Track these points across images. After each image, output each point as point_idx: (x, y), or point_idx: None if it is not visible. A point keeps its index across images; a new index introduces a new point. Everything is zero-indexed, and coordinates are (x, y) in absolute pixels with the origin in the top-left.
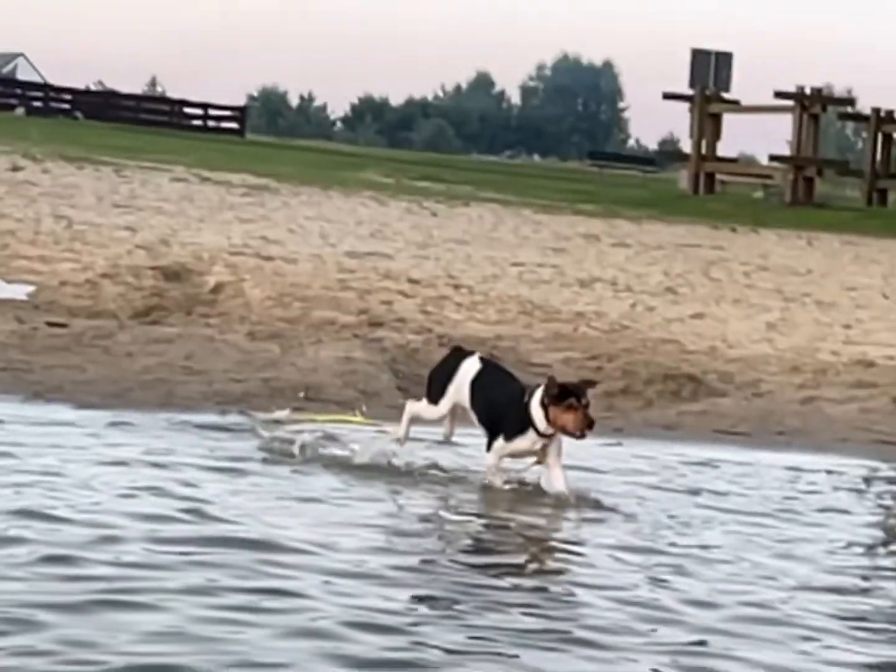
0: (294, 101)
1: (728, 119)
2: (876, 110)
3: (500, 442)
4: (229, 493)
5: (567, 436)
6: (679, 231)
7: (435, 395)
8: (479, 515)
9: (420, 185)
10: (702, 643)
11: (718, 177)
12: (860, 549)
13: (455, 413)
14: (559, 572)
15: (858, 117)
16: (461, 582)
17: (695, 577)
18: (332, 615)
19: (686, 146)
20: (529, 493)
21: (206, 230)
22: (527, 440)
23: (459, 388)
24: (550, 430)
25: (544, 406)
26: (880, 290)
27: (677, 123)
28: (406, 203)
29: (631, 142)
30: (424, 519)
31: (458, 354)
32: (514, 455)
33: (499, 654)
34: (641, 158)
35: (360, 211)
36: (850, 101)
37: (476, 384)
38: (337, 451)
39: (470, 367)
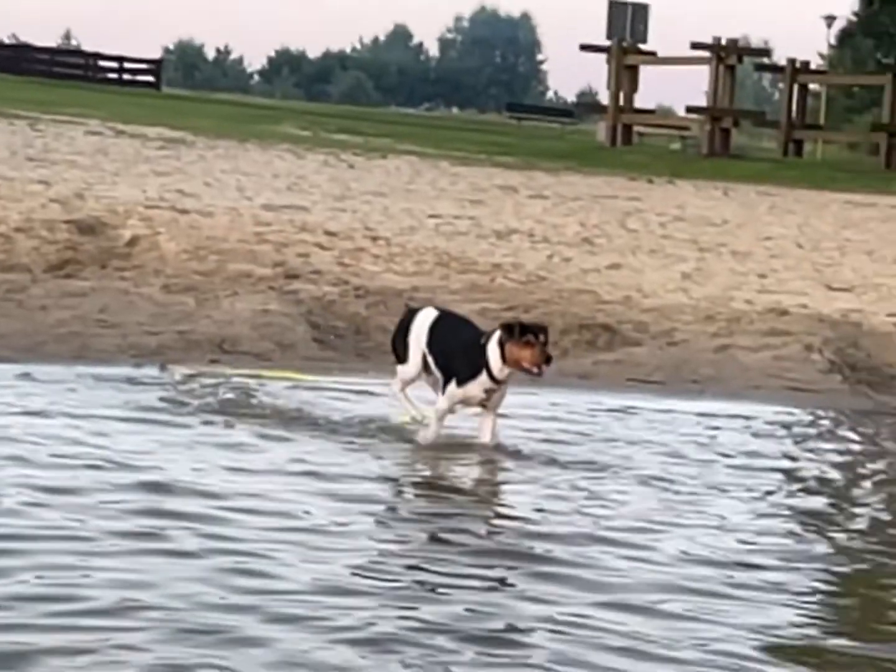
0: (210, 55)
1: (645, 71)
2: (791, 61)
3: (452, 387)
4: (139, 442)
5: (524, 372)
6: (596, 182)
7: (401, 354)
8: (396, 464)
9: (337, 137)
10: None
11: (636, 128)
12: (767, 492)
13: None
14: (474, 516)
15: (774, 68)
16: (365, 521)
17: (605, 518)
18: (220, 564)
19: (604, 98)
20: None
21: (122, 184)
22: (478, 384)
23: (419, 337)
24: (505, 372)
25: (501, 345)
26: (795, 240)
27: (595, 75)
28: (323, 156)
29: (549, 94)
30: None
31: (412, 310)
32: (465, 402)
33: (403, 593)
34: (559, 110)
35: (276, 164)
36: (767, 52)
37: (434, 330)
38: (255, 403)
39: (426, 317)
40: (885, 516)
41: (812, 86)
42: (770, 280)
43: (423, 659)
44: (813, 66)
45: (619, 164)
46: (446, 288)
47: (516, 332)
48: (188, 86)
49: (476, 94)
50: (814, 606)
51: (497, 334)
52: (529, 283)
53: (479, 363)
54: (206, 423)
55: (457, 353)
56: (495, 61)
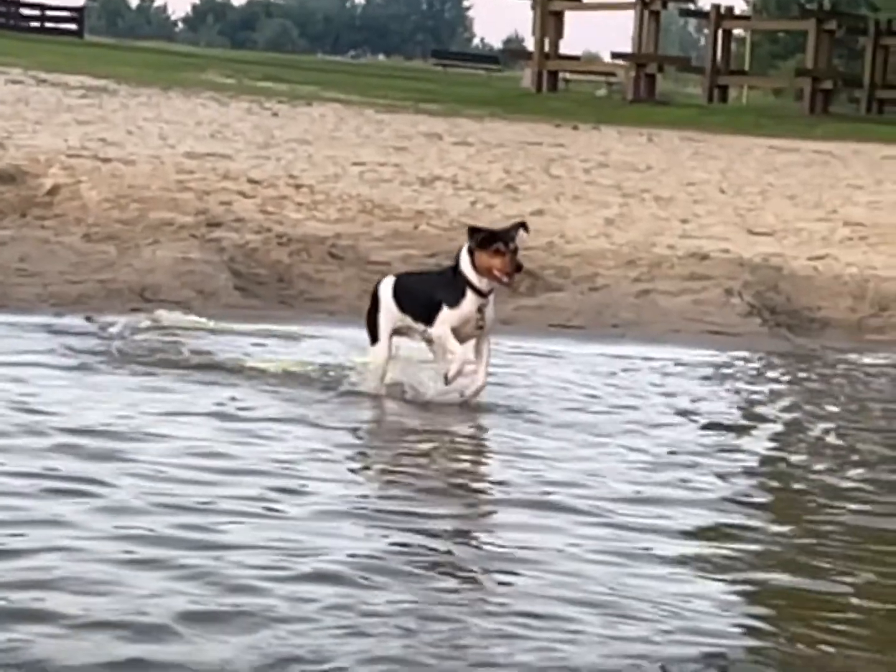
0: (134, 2)
1: (571, 17)
2: (716, 7)
3: (444, 312)
4: (59, 389)
5: (495, 281)
6: (521, 129)
7: (373, 334)
8: (330, 413)
9: (262, 85)
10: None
11: (562, 75)
12: (682, 429)
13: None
14: (381, 454)
15: (699, 14)
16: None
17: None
18: (134, 503)
19: (530, 45)
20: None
21: (43, 132)
22: (469, 302)
23: (388, 309)
24: (485, 284)
25: (471, 254)
26: (718, 185)
27: (522, 22)
28: (247, 104)
29: (476, 41)
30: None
31: (375, 286)
32: (462, 326)
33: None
34: (485, 57)
35: (200, 112)
36: None
37: (397, 292)
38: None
39: (386, 285)
40: (789, 452)
41: (737, 31)
42: (692, 225)
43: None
44: (738, 12)
45: (544, 111)
46: (369, 235)
47: (484, 239)
48: (111, 34)
49: (402, 41)
50: (714, 543)
51: (465, 246)
52: (452, 230)
53: (460, 283)
54: (129, 370)
55: (435, 288)
56: (421, 8)
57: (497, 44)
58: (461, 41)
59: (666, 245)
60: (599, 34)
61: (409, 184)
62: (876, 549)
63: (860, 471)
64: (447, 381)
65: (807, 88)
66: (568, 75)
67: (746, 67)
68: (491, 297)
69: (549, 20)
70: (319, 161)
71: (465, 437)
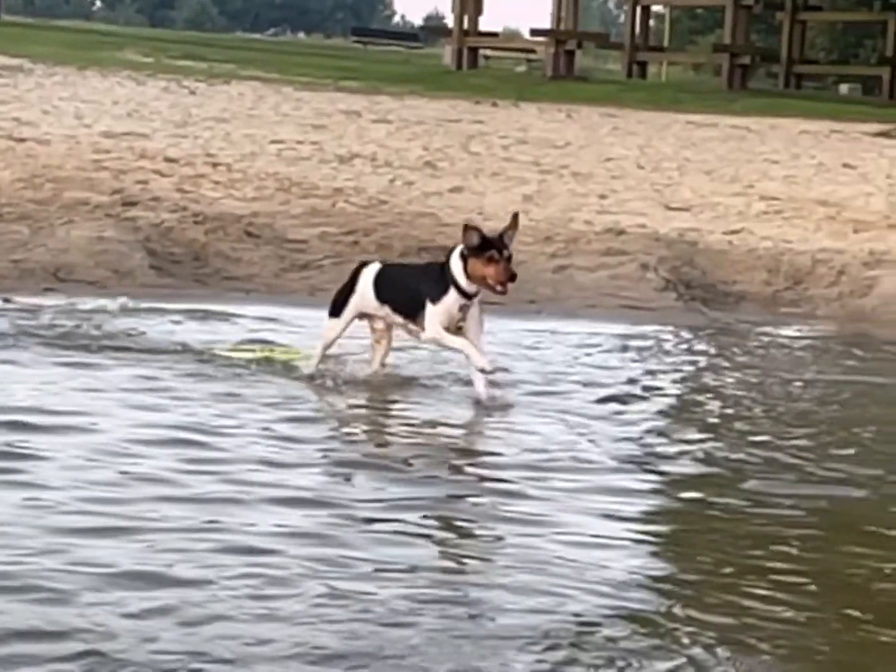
0: None
1: None
2: None
3: (430, 308)
4: None
5: (487, 289)
6: (441, 106)
7: (336, 310)
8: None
9: (181, 63)
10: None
11: (483, 52)
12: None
13: (380, 346)
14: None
15: None
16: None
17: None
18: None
19: (450, 22)
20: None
21: None
22: (451, 300)
23: (363, 293)
24: (473, 288)
25: (464, 258)
26: (636, 161)
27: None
28: (165, 82)
29: (396, 18)
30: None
31: (358, 267)
32: (447, 322)
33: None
34: (405, 34)
35: (117, 91)
36: None
37: (379, 280)
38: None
39: (369, 271)
40: (677, 421)
41: (656, 7)
42: (610, 201)
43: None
44: None
45: (464, 88)
46: (287, 213)
47: (478, 246)
48: (28, 13)
49: (322, 19)
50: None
51: (458, 248)
52: (371, 207)
53: (445, 280)
54: (44, 349)
55: (419, 281)
56: None
57: (418, 21)
58: (382, 19)
59: (583, 221)
60: (521, 11)
61: (327, 161)
62: (751, 510)
63: (750, 440)
64: (485, 371)
65: (725, 64)
66: (489, 52)
67: (666, 43)
68: (476, 300)
69: None
70: (237, 139)
71: (373, 410)
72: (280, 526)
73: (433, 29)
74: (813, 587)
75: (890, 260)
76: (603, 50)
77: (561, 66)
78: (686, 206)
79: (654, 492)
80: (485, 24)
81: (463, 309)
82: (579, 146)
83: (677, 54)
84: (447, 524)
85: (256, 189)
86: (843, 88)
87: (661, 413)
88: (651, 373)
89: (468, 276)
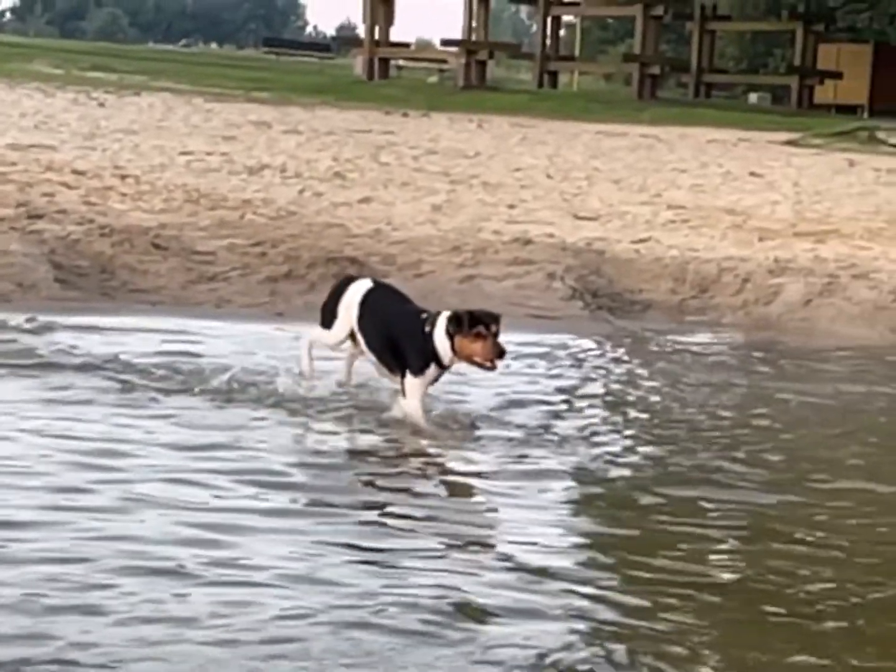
0: None
1: (404, 4)
2: None
3: (410, 380)
4: None
5: (475, 366)
6: (351, 117)
7: (327, 320)
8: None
9: (90, 75)
10: None
11: (396, 62)
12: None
13: (354, 358)
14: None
15: (529, 0)
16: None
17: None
18: None
19: (363, 32)
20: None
21: None
22: (430, 374)
23: (349, 308)
24: (455, 362)
25: (450, 336)
26: (545, 171)
27: (354, 9)
28: (74, 94)
29: (309, 28)
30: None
31: (347, 279)
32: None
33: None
34: (317, 45)
35: (24, 103)
36: None
37: (365, 304)
38: None
39: (359, 288)
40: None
41: (567, 17)
42: (518, 210)
43: None
44: None
45: (375, 98)
46: (194, 225)
47: (465, 323)
48: None
49: (235, 30)
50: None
51: (443, 323)
52: (279, 218)
53: (426, 353)
54: None
55: (401, 341)
56: None
57: (330, 31)
58: (294, 29)
59: (492, 230)
60: (434, 22)
61: (236, 173)
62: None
63: (646, 449)
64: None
65: (635, 73)
66: (401, 62)
67: (577, 53)
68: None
69: (380, 7)
70: (146, 151)
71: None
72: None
73: (345, 39)
74: (721, 591)
75: (794, 268)
76: (515, 60)
77: (472, 77)
78: (594, 215)
79: (562, 501)
80: (397, 34)
81: (438, 377)
82: (489, 156)
83: (588, 64)
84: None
85: (164, 201)
86: (753, 97)
87: (574, 418)
88: (546, 378)
89: (455, 352)
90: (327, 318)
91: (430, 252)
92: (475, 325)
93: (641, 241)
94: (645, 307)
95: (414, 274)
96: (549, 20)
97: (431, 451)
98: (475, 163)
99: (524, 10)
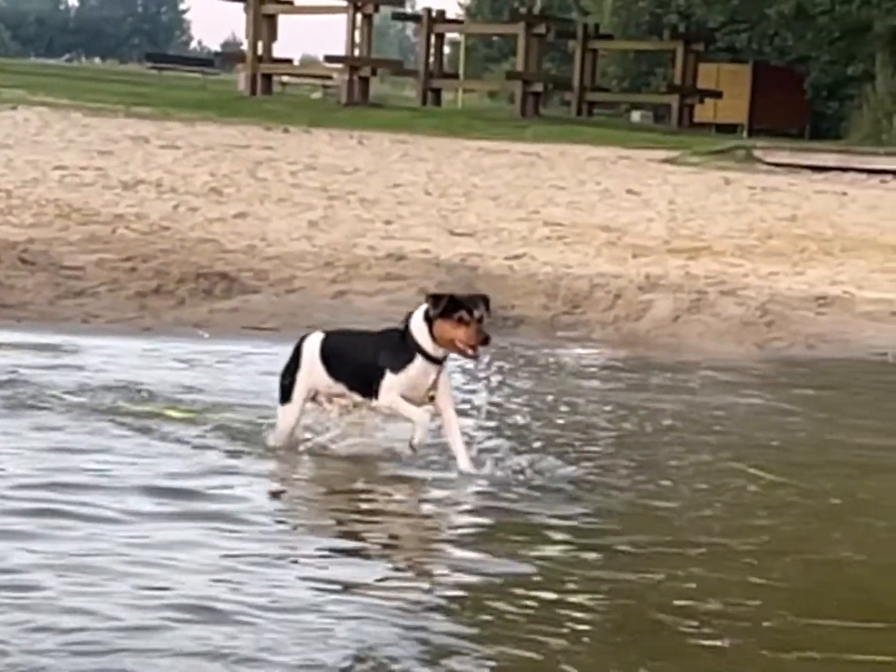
0: None
1: (289, 21)
2: (427, 10)
3: (388, 378)
4: None
5: (458, 353)
6: (231, 132)
7: (285, 394)
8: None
9: None
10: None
11: (282, 78)
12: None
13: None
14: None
15: (412, 17)
16: None
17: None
18: None
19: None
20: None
21: None
22: (417, 368)
23: (310, 371)
24: (440, 352)
25: (429, 321)
26: (424, 187)
27: (239, 25)
28: None
29: (194, 44)
30: None
31: (299, 342)
32: (411, 394)
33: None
34: (201, 60)
35: None
36: (401, 1)
37: (327, 353)
38: None
39: (312, 343)
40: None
41: (452, 35)
42: (395, 226)
43: None
44: (454, 16)
45: (258, 114)
46: (64, 240)
47: (446, 306)
48: None
49: (118, 45)
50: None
51: (420, 310)
52: (151, 234)
53: (408, 347)
54: None
55: (376, 351)
56: (137, 10)
57: (215, 47)
58: (178, 44)
59: (367, 246)
60: (322, 38)
61: (110, 188)
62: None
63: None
64: (413, 448)
65: (518, 91)
66: (285, 79)
67: (461, 71)
68: (445, 364)
69: (263, 23)
70: (19, 166)
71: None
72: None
73: (227, 55)
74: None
75: (665, 284)
76: (399, 77)
77: (355, 93)
78: (471, 231)
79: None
80: (283, 51)
81: (433, 376)
82: (368, 172)
83: (471, 82)
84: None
85: (34, 216)
86: (636, 116)
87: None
88: None
89: (434, 339)
90: (285, 390)
91: (302, 268)
92: (456, 308)
93: (516, 257)
94: (517, 323)
95: (286, 289)
96: (432, 37)
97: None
98: (354, 179)
99: (410, 27)
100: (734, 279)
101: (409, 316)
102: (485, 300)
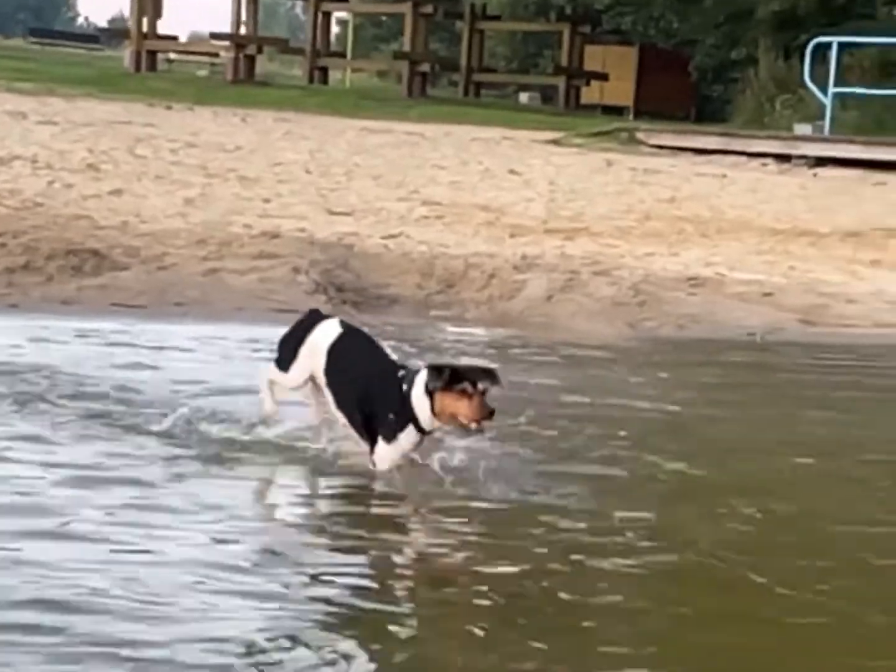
0: None
1: None
2: None
3: (382, 445)
4: None
5: (460, 428)
6: (114, 109)
7: (284, 361)
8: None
9: None
10: None
11: (170, 56)
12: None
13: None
14: None
15: None
16: None
17: None
18: None
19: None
20: None
21: None
22: (407, 438)
23: (313, 352)
24: (436, 425)
25: (430, 394)
26: (305, 166)
27: (126, 2)
28: None
29: (80, 20)
30: None
31: (314, 316)
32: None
33: None
34: (85, 36)
35: None
36: None
37: (333, 353)
38: None
39: (328, 331)
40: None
41: (341, 14)
42: (273, 205)
43: None
44: None
45: (142, 91)
46: None
47: (447, 378)
48: None
49: (3, 20)
50: None
51: (423, 380)
52: (24, 210)
53: (402, 415)
54: None
55: (377, 400)
56: None
57: (103, 23)
58: (65, 20)
59: (243, 224)
60: (210, 15)
61: None
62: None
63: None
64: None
65: (405, 71)
66: (173, 56)
67: (349, 50)
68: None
69: (148, 0)
70: None
71: None
72: None
73: (113, 31)
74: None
75: (541, 264)
76: (288, 56)
77: (241, 71)
78: (349, 210)
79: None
80: (173, 27)
81: (417, 446)
82: (250, 150)
83: (359, 61)
84: None
85: None
86: (524, 97)
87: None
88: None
89: (436, 413)
90: (285, 357)
91: (175, 245)
92: (459, 380)
93: (392, 236)
94: (391, 302)
95: (157, 266)
96: (319, 16)
97: None
98: (235, 157)
99: (299, 5)
100: (609, 260)
101: (413, 376)
102: (488, 373)
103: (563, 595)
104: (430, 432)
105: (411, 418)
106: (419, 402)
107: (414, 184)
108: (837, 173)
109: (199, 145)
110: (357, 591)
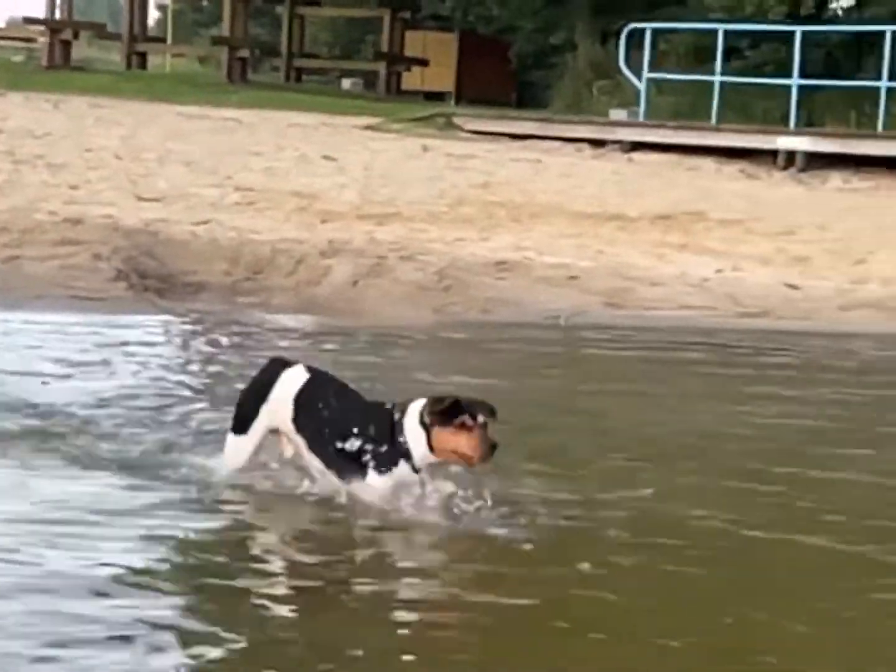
0: None
1: None
2: None
3: (375, 480)
4: None
5: (460, 464)
6: None
7: (241, 423)
8: None
9: None
10: None
11: None
12: None
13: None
14: None
15: None
16: None
17: None
18: None
19: None
20: None
21: None
22: (400, 475)
23: (278, 407)
24: (430, 460)
25: (426, 427)
26: (115, 152)
27: None
28: None
29: None
30: None
31: (274, 366)
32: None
33: None
34: None
35: None
36: None
37: (302, 399)
38: None
39: (294, 378)
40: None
41: None
42: (81, 192)
43: None
44: None
45: None
46: None
47: (448, 410)
48: None
49: None
50: None
51: (417, 411)
52: None
53: (396, 447)
54: None
55: (361, 436)
56: None
57: None
58: None
59: (48, 211)
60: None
61: None
62: None
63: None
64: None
65: (224, 56)
66: None
67: (169, 35)
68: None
69: None
70: None
71: None
72: None
73: None
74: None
75: (349, 249)
76: (107, 41)
77: (56, 56)
78: (159, 196)
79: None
80: None
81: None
82: (60, 136)
83: (178, 47)
84: None
85: None
86: (346, 83)
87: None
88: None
89: (433, 448)
90: (241, 419)
91: None
92: (458, 413)
93: (202, 222)
94: (197, 289)
95: None
96: (136, 1)
97: None
98: (44, 143)
99: None
100: (417, 245)
101: (404, 408)
102: (486, 407)
103: None
104: (418, 471)
105: (404, 454)
106: (414, 437)
107: (228, 170)
108: (652, 158)
109: (7, 131)
110: None
